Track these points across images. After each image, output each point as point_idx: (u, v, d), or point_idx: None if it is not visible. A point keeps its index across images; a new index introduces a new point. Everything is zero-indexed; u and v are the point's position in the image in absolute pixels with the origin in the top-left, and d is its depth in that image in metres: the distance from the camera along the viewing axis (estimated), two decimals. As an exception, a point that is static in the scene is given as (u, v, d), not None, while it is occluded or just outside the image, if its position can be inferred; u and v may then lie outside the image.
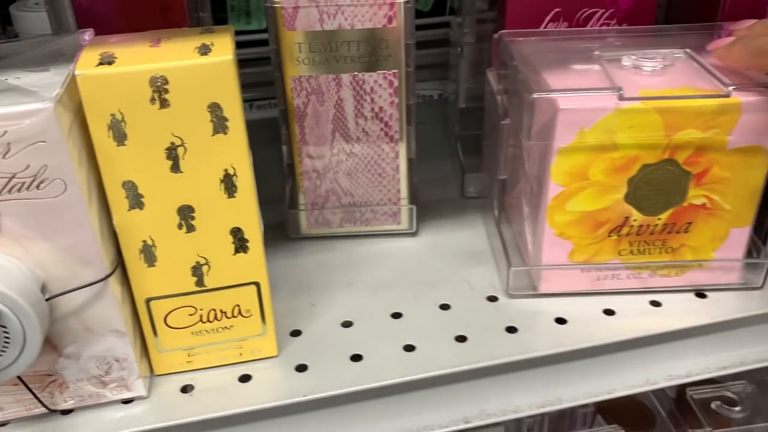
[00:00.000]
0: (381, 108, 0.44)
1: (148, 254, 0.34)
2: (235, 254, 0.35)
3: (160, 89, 0.30)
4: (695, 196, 0.39)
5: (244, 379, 0.37)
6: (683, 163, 0.38)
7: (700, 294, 0.42)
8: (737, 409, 0.54)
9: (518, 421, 0.57)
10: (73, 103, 0.30)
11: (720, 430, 0.53)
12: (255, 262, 0.35)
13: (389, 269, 0.45)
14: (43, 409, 0.34)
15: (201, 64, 0.30)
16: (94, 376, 0.34)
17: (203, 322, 0.36)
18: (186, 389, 0.37)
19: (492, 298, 0.42)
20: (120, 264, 0.33)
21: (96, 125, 0.30)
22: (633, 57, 0.39)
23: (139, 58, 0.30)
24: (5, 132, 0.28)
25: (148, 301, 0.35)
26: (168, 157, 0.31)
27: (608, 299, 0.42)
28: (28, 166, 0.29)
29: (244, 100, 0.75)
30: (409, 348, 0.39)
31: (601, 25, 0.47)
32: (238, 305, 0.36)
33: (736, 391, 0.55)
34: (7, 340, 0.29)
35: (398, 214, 0.48)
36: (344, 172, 0.46)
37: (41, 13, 0.49)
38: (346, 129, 0.45)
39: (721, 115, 0.36)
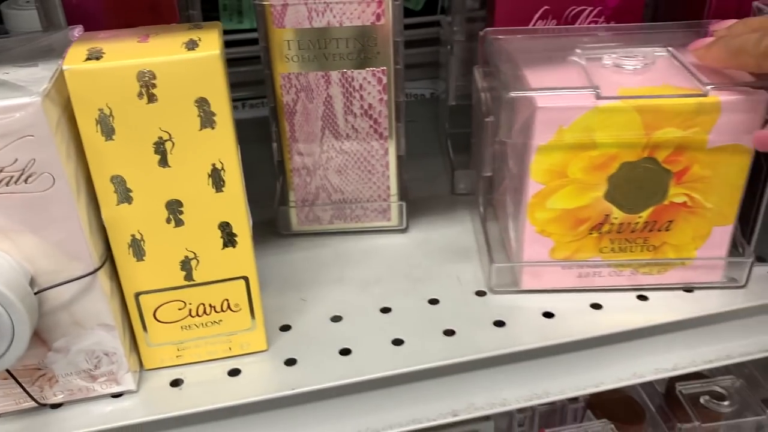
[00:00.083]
0: (370, 105, 0.44)
1: (137, 248, 0.34)
2: (223, 248, 0.35)
3: (147, 84, 0.30)
4: (676, 194, 0.39)
5: (234, 373, 0.37)
6: (663, 162, 0.38)
7: (687, 288, 0.42)
8: (726, 403, 0.54)
9: (509, 417, 0.57)
10: (62, 97, 0.30)
11: (709, 424, 0.53)
12: (243, 256, 0.35)
13: (379, 265, 0.46)
14: (32, 403, 0.35)
15: (188, 59, 0.30)
16: (84, 370, 0.35)
17: (192, 317, 0.36)
18: (175, 383, 0.37)
19: (480, 293, 0.43)
20: (109, 258, 0.34)
21: (84, 120, 0.30)
22: (614, 56, 0.40)
23: (126, 53, 0.30)
24: (-7, 126, 0.28)
25: (137, 295, 0.35)
26: (156, 152, 0.32)
27: (595, 294, 0.42)
28: (16, 160, 0.29)
29: (236, 99, 0.75)
30: (397, 342, 0.39)
31: (590, 23, 0.47)
32: (227, 299, 0.36)
33: (725, 386, 0.55)
34: (-5, 333, 0.30)
35: (388, 210, 0.49)
36: (334, 169, 0.47)
37: (32, 11, 0.49)
38: (335, 126, 0.45)
39: (699, 114, 0.36)
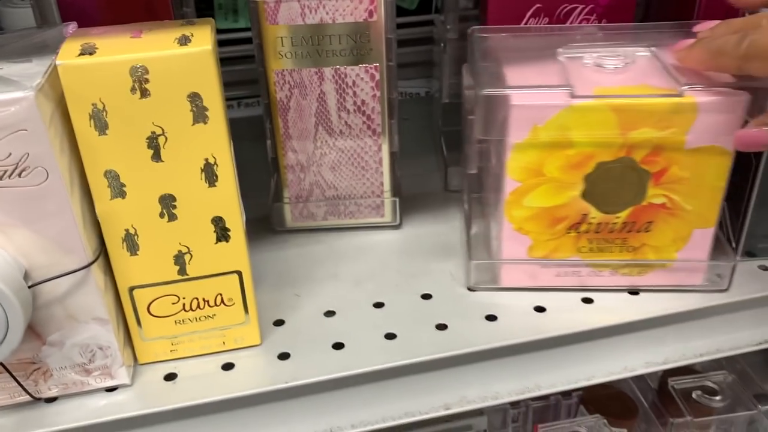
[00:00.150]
0: (363, 101, 0.45)
1: (131, 243, 0.34)
2: (216, 243, 0.35)
3: (140, 79, 0.30)
4: (654, 195, 0.39)
5: (227, 367, 0.38)
6: (640, 162, 0.38)
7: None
8: (718, 398, 0.55)
9: (503, 413, 0.57)
10: (55, 92, 0.30)
11: (701, 419, 0.54)
12: (237, 251, 0.36)
13: (372, 261, 0.46)
14: (27, 397, 0.35)
15: (180, 54, 0.30)
16: (78, 364, 0.35)
17: (186, 311, 0.37)
18: (169, 377, 0.37)
19: (473, 288, 0.43)
20: (103, 252, 0.34)
21: (77, 114, 0.31)
22: (595, 55, 0.39)
23: (119, 49, 0.30)
24: (-13, 120, 0.28)
25: (131, 289, 0.35)
26: (149, 146, 0.32)
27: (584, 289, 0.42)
28: (9, 154, 0.29)
29: (231, 99, 0.75)
30: (390, 336, 0.39)
31: (581, 21, 0.48)
32: (220, 294, 0.37)
33: (717, 381, 0.56)
34: (-11, 326, 0.30)
35: (381, 206, 0.49)
36: (328, 165, 0.47)
37: (27, 9, 0.49)
38: (329, 122, 0.45)
39: (675, 115, 0.36)
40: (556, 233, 0.40)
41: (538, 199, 0.39)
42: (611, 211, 0.39)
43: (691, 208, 0.39)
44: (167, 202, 0.33)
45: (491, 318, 0.40)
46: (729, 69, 0.36)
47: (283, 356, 0.38)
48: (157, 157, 0.32)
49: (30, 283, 0.32)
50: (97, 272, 0.33)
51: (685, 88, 0.36)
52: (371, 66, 0.43)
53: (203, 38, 0.31)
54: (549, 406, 0.58)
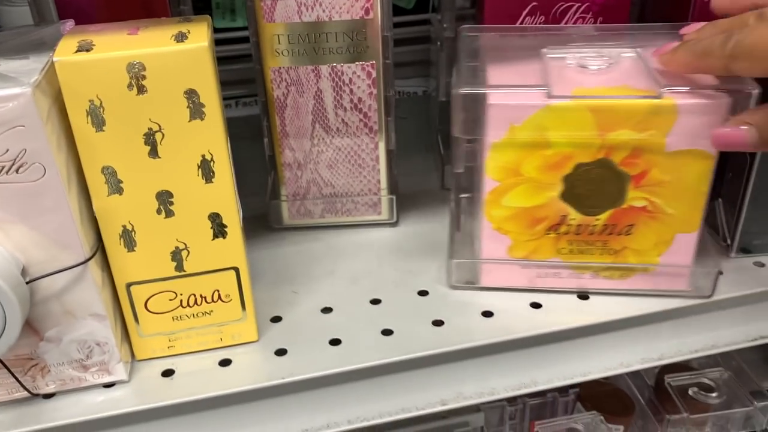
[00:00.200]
0: (360, 99, 0.45)
1: (128, 239, 0.34)
2: (213, 239, 0.35)
3: (137, 75, 0.30)
4: (635, 198, 0.38)
5: (224, 363, 0.38)
6: (620, 164, 0.37)
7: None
8: (714, 395, 0.55)
9: (501, 410, 0.58)
10: (52, 89, 0.30)
11: (697, 416, 0.54)
12: (234, 247, 0.36)
13: (369, 258, 0.46)
14: (25, 393, 0.35)
15: (177, 50, 0.31)
16: (76, 360, 0.35)
17: (183, 307, 0.37)
18: (167, 373, 0.37)
19: (454, 286, 0.43)
20: (100, 248, 0.34)
21: (75, 111, 0.31)
22: (579, 56, 0.39)
23: (116, 46, 0.31)
24: (-16, 116, 0.28)
25: (128, 285, 0.35)
26: (146, 143, 0.32)
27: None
28: (7, 150, 0.29)
29: (229, 98, 0.75)
30: (386, 332, 0.39)
31: (577, 19, 0.48)
32: (217, 290, 0.37)
33: (713, 378, 0.56)
34: (-13, 321, 0.30)
35: (378, 204, 0.49)
36: (325, 163, 0.47)
37: (24, 8, 0.49)
38: (325, 120, 0.45)
39: (654, 116, 0.35)
40: (535, 234, 0.40)
41: (517, 199, 0.39)
42: (591, 213, 0.39)
43: (673, 211, 0.38)
44: (164, 199, 0.34)
45: (487, 314, 0.40)
46: (715, 70, 0.34)
47: (280, 352, 0.38)
48: (154, 153, 0.32)
49: (27, 279, 0.32)
50: (94, 268, 0.33)
51: (665, 89, 0.35)
52: (368, 64, 0.44)
53: (200, 35, 0.31)
54: (546, 403, 0.58)
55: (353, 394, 0.38)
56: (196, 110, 0.32)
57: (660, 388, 0.57)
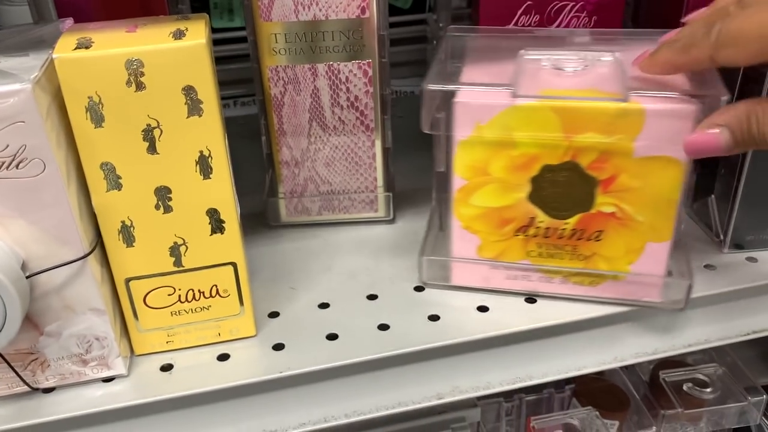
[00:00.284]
0: (356, 97, 0.45)
1: (127, 234, 0.35)
2: (211, 235, 0.36)
3: (136, 72, 0.31)
4: (603, 203, 0.38)
5: (223, 357, 0.38)
6: (587, 168, 0.37)
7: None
8: (708, 390, 0.55)
9: (497, 406, 0.58)
10: (52, 85, 0.31)
11: (692, 411, 0.55)
12: (231, 242, 0.36)
13: (366, 254, 0.47)
14: (25, 387, 0.35)
15: (175, 47, 0.31)
16: (75, 355, 0.35)
17: (182, 302, 0.37)
18: (165, 368, 0.37)
19: (425, 284, 0.43)
20: (99, 244, 0.35)
21: (74, 107, 0.31)
22: (555, 57, 0.39)
23: (115, 43, 0.31)
24: (-15, 112, 0.29)
25: (127, 281, 0.36)
26: (144, 139, 0.32)
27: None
28: (7, 146, 0.30)
29: (228, 97, 0.76)
30: (383, 327, 0.40)
31: (571, 18, 0.48)
32: (215, 285, 0.37)
33: (708, 374, 0.56)
34: (-13, 315, 0.30)
35: (375, 201, 0.49)
36: (322, 160, 0.48)
37: (24, 7, 0.50)
38: (322, 118, 0.46)
39: (621, 120, 0.35)
40: (504, 234, 0.40)
41: (485, 199, 0.39)
42: (559, 217, 0.38)
43: (644, 219, 0.38)
44: (163, 194, 0.34)
45: (483, 309, 0.41)
46: (700, 62, 0.33)
47: (278, 347, 0.39)
48: (152, 149, 0.33)
49: (27, 274, 0.32)
50: (93, 263, 0.34)
51: (631, 93, 0.34)
52: (364, 62, 0.44)
53: (198, 32, 0.32)
54: (542, 399, 0.58)
55: (350, 388, 0.38)
56: (194, 107, 0.32)
57: (655, 383, 0.57)
